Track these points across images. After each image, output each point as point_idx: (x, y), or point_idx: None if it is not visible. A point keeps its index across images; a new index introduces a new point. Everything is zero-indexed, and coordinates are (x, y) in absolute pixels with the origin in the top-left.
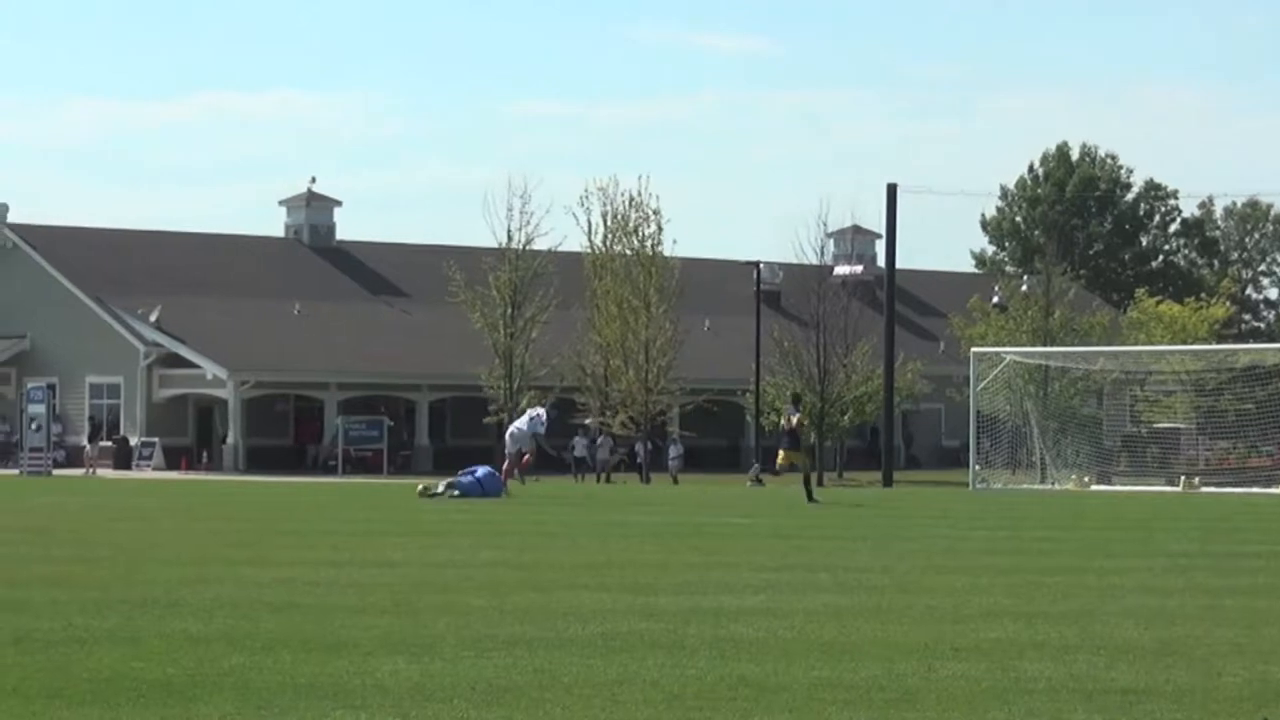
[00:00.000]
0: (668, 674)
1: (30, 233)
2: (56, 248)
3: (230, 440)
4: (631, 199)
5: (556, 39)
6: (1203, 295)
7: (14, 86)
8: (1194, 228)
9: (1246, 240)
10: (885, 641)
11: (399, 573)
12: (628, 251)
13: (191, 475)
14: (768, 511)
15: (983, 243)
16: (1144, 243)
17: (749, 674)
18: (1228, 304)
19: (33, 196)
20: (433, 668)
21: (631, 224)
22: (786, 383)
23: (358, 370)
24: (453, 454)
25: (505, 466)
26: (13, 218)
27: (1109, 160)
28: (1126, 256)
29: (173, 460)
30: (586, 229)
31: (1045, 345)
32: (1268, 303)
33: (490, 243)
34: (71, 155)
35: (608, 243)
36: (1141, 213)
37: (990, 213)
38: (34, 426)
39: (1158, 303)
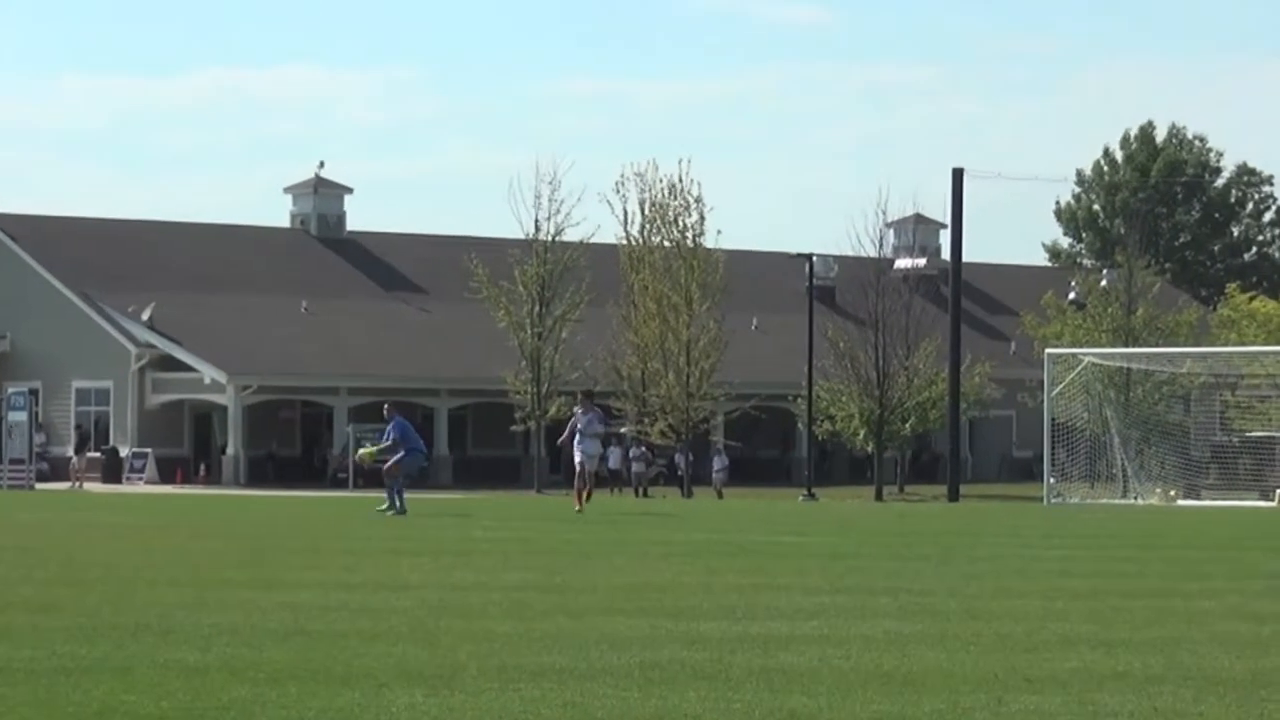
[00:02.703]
0: (711, 707)
1: (11, 223)
2: (40, 239)
3: (230, 451)
4: (671, 185)
5: (590, 9)
6: None
7: None
8: None
9: None
10: (951, 672)
11: (417, 596)
12: (667, 243)
13: (188, 489)
14: (821, 529)
15: (1057, 233)
16: (1235, 233)
17: (800, 707)
18: None
19: (15, 183)
20: (453, 700)
21: (671, 213)
22: (842, 387)
23: (370, 374)
24: (475, 465)
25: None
26: None
27: (1197, 142)
28: (1216, 248)
29: (167, 473)
30: (622, 218)
31: (1126, 346)
32: None
33: (516, 234)
34: (58, 138)
35: (645, 233)
36: (1233, 200)
37: (1065, 200)
38: (14, 436)
39: (1250, 299)
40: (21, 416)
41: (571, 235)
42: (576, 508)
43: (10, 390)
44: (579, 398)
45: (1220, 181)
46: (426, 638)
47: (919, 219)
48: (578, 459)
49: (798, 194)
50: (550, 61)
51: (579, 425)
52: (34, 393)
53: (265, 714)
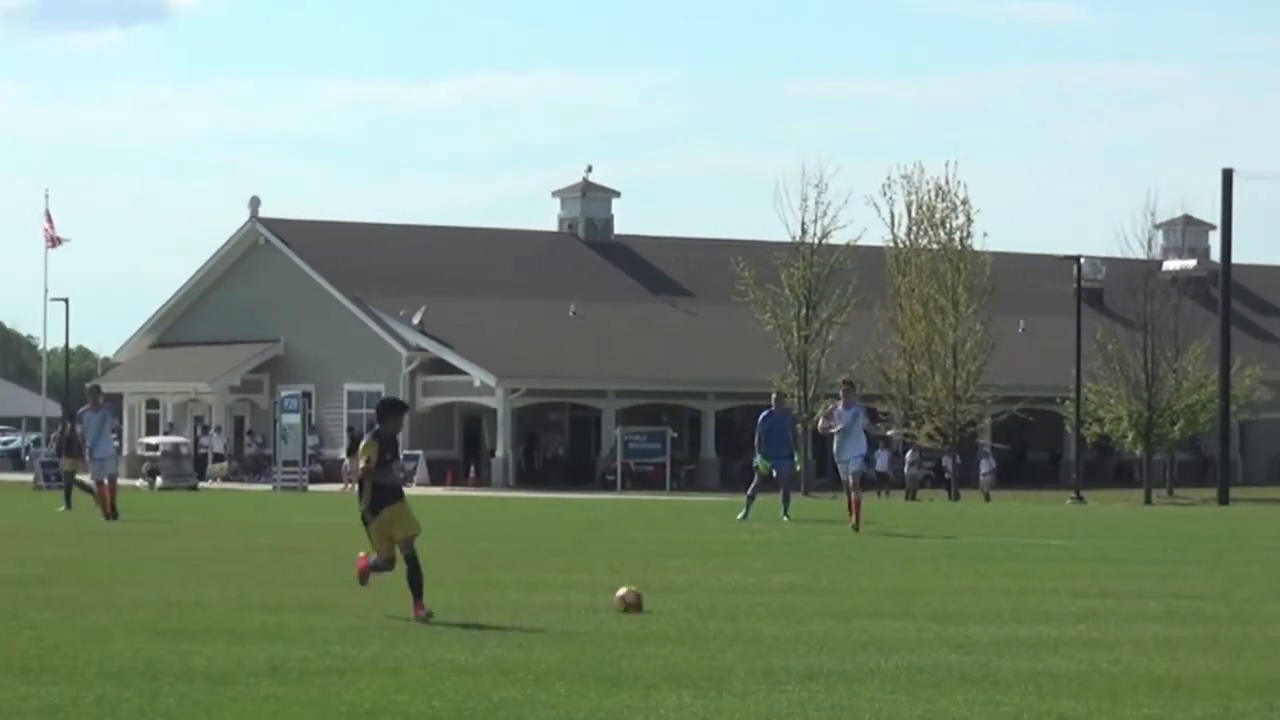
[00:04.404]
0: (979, 711)
1: (283, 228)
2: (311, 244)
3: (499, 453)
4: (938, 187)
5: (850, 9)
6: None
7: (263, 70)
8: None
9: None
10: (1222, 677)
11: (684, 598)
12: (934, 245)
13: (458, 491)
14: (1089, 532)
15: None
16: None
17: (1069, 711)
18: None
19: (286, 188)
20: (721, 702)
21: (938, 215)
22: (1110, 389)
23: (638, 377)
24: (742, 470)
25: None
26: (265, 212)
27: None
28: None
29: (438, 475)
30: (889, 220)
31: None
32: None
33: (782, 236)
34: (326, 143)
35: (912, 236)
36: None
37: None
38: (287, 438)
39: None
40: (295, 419)
41: (838, 238)
42: (852, 523)
43: (284, 393)
44: (841, 390)
45: None
46: (694, 640)
47: (1188, 220)
48: (844, 471)
49: (1065, 195)
50: (810, 62)
51: (842, 421)
52: (307, 395)
53: (535, 714)
